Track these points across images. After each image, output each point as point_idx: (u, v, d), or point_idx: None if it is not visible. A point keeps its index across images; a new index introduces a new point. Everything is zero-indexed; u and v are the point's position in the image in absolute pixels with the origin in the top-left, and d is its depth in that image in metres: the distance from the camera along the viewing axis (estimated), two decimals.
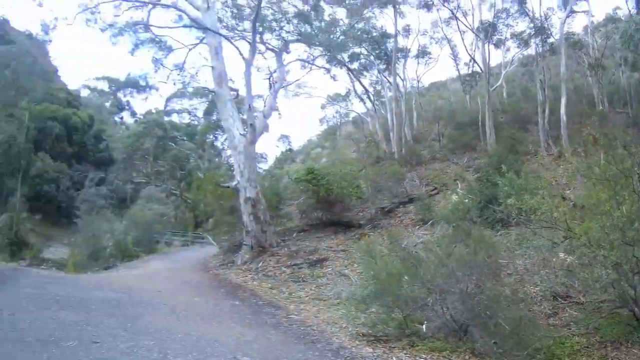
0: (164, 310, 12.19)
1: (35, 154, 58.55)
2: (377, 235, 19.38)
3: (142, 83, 44.40)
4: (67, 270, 31.87)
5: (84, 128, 73.71)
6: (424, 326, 9.79)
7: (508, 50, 42.10)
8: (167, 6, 28.46)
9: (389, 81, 41.66)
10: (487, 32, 34.53)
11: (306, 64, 34.92)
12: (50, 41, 71.51)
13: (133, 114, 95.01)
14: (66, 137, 69.26)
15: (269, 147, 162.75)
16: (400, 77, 41.50)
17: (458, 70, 43.84)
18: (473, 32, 36.21)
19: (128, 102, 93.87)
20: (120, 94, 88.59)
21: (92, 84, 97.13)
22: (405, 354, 8.90)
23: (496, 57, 78.57)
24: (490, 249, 9.61)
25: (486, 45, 35.18)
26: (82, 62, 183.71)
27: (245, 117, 25.81)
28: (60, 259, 41.89)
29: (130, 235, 37.64)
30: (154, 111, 75.84)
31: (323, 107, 63.46)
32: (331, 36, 33.59)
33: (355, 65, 41.47)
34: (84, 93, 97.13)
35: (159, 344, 8.57)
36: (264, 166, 66.74)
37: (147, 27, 29.05)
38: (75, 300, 12.50)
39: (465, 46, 41.88)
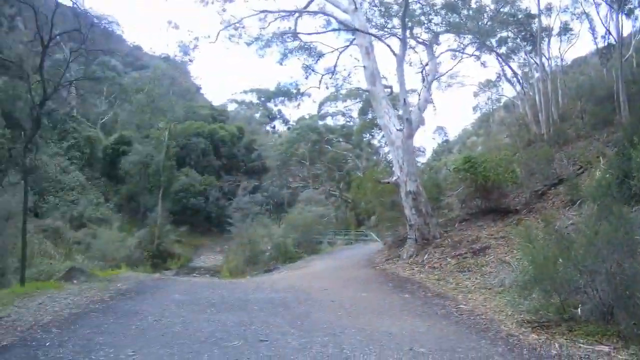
0: (332, 306, 12.37)
1: (179, 169, 61.86)
2: (532, 219, 18.95)
3: (293, 91, 45.76)
4: (222, 276, 33.66)
5: (232, 140, 76.97)
6: (578, 310, 9.53)
7: (637, 18, 40.73)
8: (314, 12, 29.32)
9: (535, 62, 41.01)
10: (620, 1, 33.56)
11: (457, 53, 34.89)
12: (192, 61, 73.66)
13: (285, 121, 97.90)
14: (213, 150, 72.61)
15: (426, 140, 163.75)
16: (545, 56, 40.79)
17: (596, 44, 42.80)
18: (607, 4, 35.06)
19: (279, 111, 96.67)
20: (270, 104, 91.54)
21: (239, 98, 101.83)
22: (565, 339, 8.72)
23: (628, 27, 76.23)
24: (627, 225, 9.14)
25: (619, 16, 34.15)
26: (226, 77, 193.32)
27: (400, 112, 25.66)
28: (213, 266, 45.31)
29: (291, 237, 38.31)
30: (307, 117, 78.39)
31: (475, 94, 63.16)
32: (479, 23, 33.32)
33: (503, 50, 41.01)
34: (231, 107, 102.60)
35: (333, 339, 8.77)
36: (422, 159, 68.80)
37: (294, 35, 29.72)
38: (234, 302, 12.90)
39: (600, 18, 40.96)
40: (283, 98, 67.68)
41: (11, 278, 22.10)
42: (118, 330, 9.22)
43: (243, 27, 29.15)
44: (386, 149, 63.35)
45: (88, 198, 53.82)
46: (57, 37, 18.94)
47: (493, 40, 38.17)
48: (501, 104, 64.87)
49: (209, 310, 11.65)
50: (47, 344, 8.06)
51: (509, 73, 44.37)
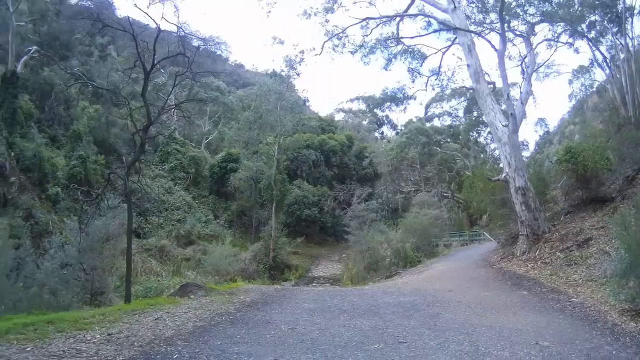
0: (459, 306, 13.10)
1: (291, 182, 61.83)
2: (626, 206, 18.83)
3: (399, 96, 47.06)
4: (343, 284, 34.04)
5: (342, 149, 77.10)
6: None
7: None
8: (414, 15, 30.02)
9: (621, 43, 39.92)
10: None
11: (551, 42, 34.87)
12: (299, 75, 74.82)
13: (393, 126, 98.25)
14: (324, 161, 72.98)
15: (527, 134, 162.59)
16: (629, 36, 39.53)
17: None
18: None
19: (386, 116, 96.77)
20: (377, 110, 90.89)
21: (346, 106, 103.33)
22: None
23: None
24: None
25: None
26: (332, 88, 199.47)
27: (504, 107, 26.23)
28: (332, 275, 45.71)
29: (409, 242, 38.44)
30: (414, 120, 79.07)
31: (570, 82, 62.89)
32: (570, 10, 33.00)
33: (592, 34, 40.12)
34: (338, 117, 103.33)
35: (467, 337, 9.27)
36: (526, 153, 66.23)
37: (397, 40, 30.55)
38: (365, 307, 13.39)
39: None
40: (389, 103, 68.26)
41: (112, 296, 23.05)
42: (253, 340, 9.59)
43: (346, 36, 30.61)
44: (492, 146, 64.48)
45: (196, 216, 55.39)
46: (157, 64, 20.04)
47: (583, 26, 37.54)
48: (594, 89, 64.44)
49: (342, 316, 12.08)
50: (175, 357, 8.31)
51: (599, 57, 44.28)
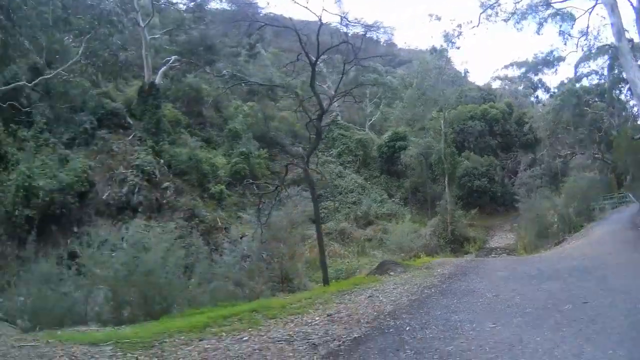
0: (619, 268, 14.01)
1: (459, 154, 61.83)
2: None
3: (550, 58, 48.05)
4: (518, 253, 34.84)
5: (503, 117, 76.20)
6: None
7: None
8: None
9: None
10: None
11: None
12: (458, 48, 75.15)
13: (547, 90, 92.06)
14: (488, 131, 72.35)
15: None
16: None
17: None
18: None
19: (540, 80, 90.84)
20: (530, 75, 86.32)
21: (502, 74, 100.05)
22: None
23: None
24: None
25: None
26: (486, 57, 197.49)
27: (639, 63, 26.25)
28: (507, 245, 46.68)
29: (572, 207, 39.14)
30: (565, 81, 74.63)
31: None
32: None
33: None
34: (495, 85, 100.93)
35: (630, 297, 9.90)
36: None
37: (547, 4, 31.39)
38: (549, 273, 14.28)
39: None
40: (541, 66, 67.70)
41: (305, 281, 24.51)
42: (467, 308, 10.14)
43: (499, 5, 32.02)
44: (631, 103, 63.37)
45: (371, 196, 56.92)
46: (322, 54, 21.37)
47: None
48: None
49: (533, 281, 12.98)
50: (407, 329, 8.69)
51: None
